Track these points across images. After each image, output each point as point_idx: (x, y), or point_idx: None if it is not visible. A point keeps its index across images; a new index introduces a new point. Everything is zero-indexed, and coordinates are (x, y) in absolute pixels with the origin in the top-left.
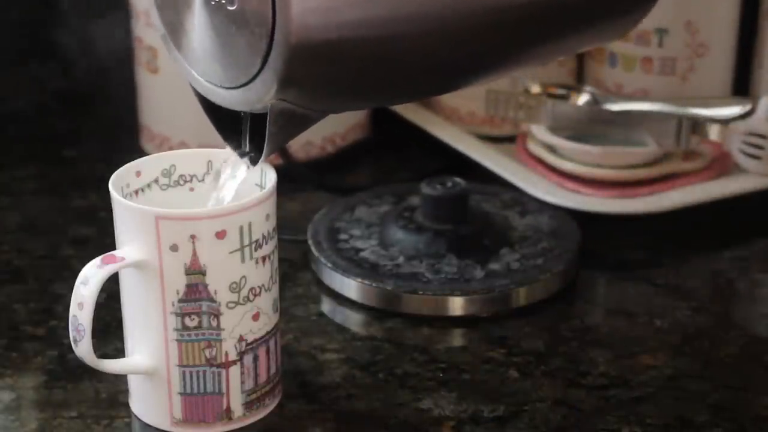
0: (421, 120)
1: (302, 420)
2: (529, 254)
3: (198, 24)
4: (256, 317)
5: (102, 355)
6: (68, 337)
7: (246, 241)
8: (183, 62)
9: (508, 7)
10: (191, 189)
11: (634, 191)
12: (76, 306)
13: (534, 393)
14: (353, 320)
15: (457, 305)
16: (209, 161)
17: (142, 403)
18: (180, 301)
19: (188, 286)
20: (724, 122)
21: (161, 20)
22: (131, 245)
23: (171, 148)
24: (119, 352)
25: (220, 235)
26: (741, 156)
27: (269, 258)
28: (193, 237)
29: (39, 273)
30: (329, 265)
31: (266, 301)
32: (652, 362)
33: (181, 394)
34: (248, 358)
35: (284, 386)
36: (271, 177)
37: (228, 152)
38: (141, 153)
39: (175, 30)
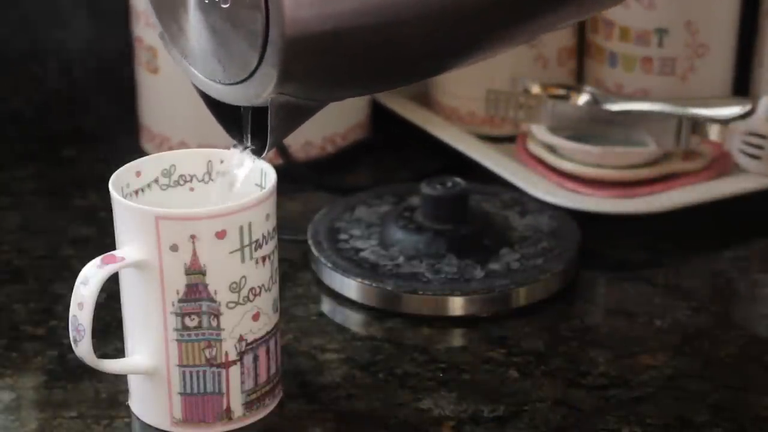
0: (421, 120)
1: (302, 420)
2: (529, 254)
3: (193, 23)
4: (256, 317)
5: (102, 355)
6: (68, 337)
7: (246, 241)
8: (181, 60)
9: None
10: (191, 189)
11: (634, 191)
12: (76, 306)
13: (534, 393)
14: (353, 320)
15: (457, 305)
16: (209, 161)
17: (142, 403)
18: (180, 301)
19: (188, 286)
20: (724, 122)
21: (158, 19)
22: (131, 245)
23: (171, 148)
24: (119, 352)
25: (220, 235)
26: (741, 156)
27: (269, 258)
28: (193, 237)
29: (39, 273)
30: (329, 265)
31: (266, 301)
32: (652, 362)
33: (181, 394)
34: (248, 358)
35: (284, 386)
36: (271, 177)
37: (227, 152)
38: (141, 153)
39: (171, 29)
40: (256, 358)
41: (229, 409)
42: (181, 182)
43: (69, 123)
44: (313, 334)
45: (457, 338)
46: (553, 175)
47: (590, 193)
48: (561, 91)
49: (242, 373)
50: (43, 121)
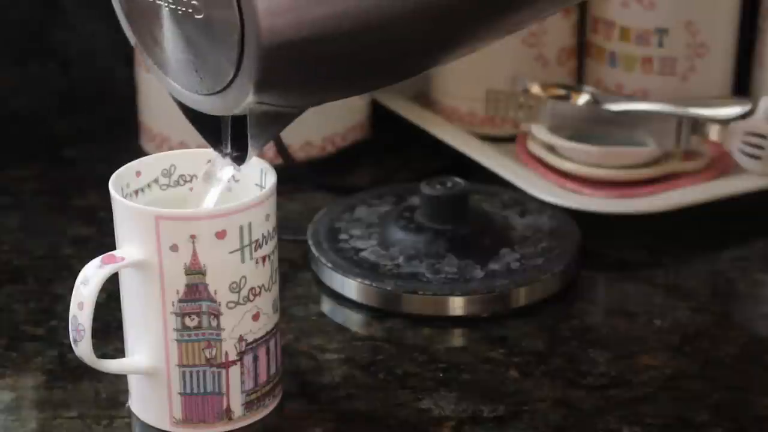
0: (421, 120)
1: (302, 420)
2: (529, 254)
3: (168, 34)
4: (256, 317)
5: (102, 355)
6: (68, 337)
7: (246, 241)
8: (157, 70)
9: None
10: (191, 189)
11: (634, 191)
12: (76, 306)
13: (534, 393)
14: (353, 320)
15: (457, 305)
16: (209, 161)
17: (142, 403)
18: (180, 301)
19: (188, 286)
20: (724, 122)
21: (130, 29)
22: (131, 245)
23: (171, 148)
24: (119, 352)
25: (220, 235)
26: (741, 156)
27: (269, 258)
28: (193, 237)
29: (39, 273)
30: (329, 265)
31: (266, 301)
32: (652, 362)
33: (181, 394)
34: (248, 358)
35: (284, 386)
36: (271, 177)
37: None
38: (141, 153)
39: (146, 39)
40: (256, 358)
41: (229, 409)
42: (181, 182)
43: (69, 123)
44: (313, 334)
45: (457, 338)
46: (553, 175)
47: (590, 193)
48: (561, 91)
49: (242, 373)
50: (43, 121)
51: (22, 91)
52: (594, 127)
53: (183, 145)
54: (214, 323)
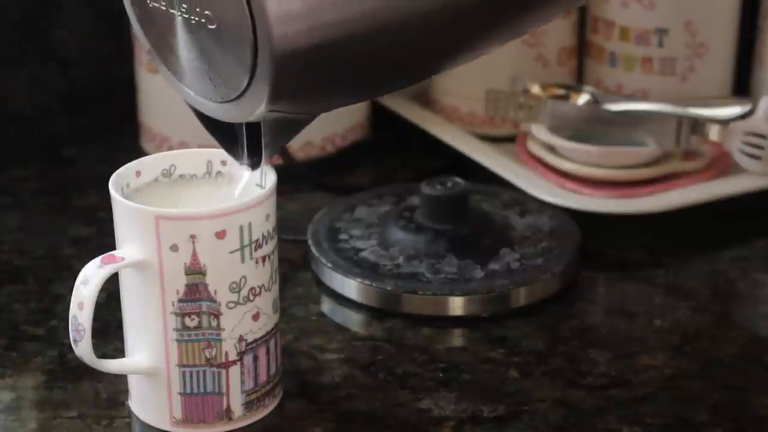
0: (421, 120)
1: (302, 420)
2: (529, 254)
3: (181, 42)
4: (256, 317)
5: (102, 355)
6: (68, 337)
7: (246, 241)
8: (171, 77)
9: None
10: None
11: (634, 191)
12: (76, 306)
13: (534, 393)
14: (353, 320)
15: (457, 305)
16: (209, 161)
17: (142, 403)
18: (180, 301)
19: (188, 286)
20: (724, 122)
21: (144, 36)
22: (131, 245)
23: (171, 148)
24: (119, 352)
25: (220, 235)
26: (741, 156)
27: (269, 258)
28: (193, 237)
29: (39, 273)
30: (329, 265)
31: (266, 301)
32: (652, 362)
33: (181, 394)
34: (248, 358)
35: (284, 386)
36: (271, 177)
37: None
38: (141, 153)
39: (159, 46)
40: (256, 358)
41: (229, 409)
42: (181, 182)
43: (69, 123)
44: (313, 334)
45: (457, 338)
46: (553, 175)
47: (590, 193)
48: (561, 91)
49: (242, 373)
50: (43, 121)
51: (22, 91)
52: (594, 127)
53: (183, 145)
54: (214, 323)
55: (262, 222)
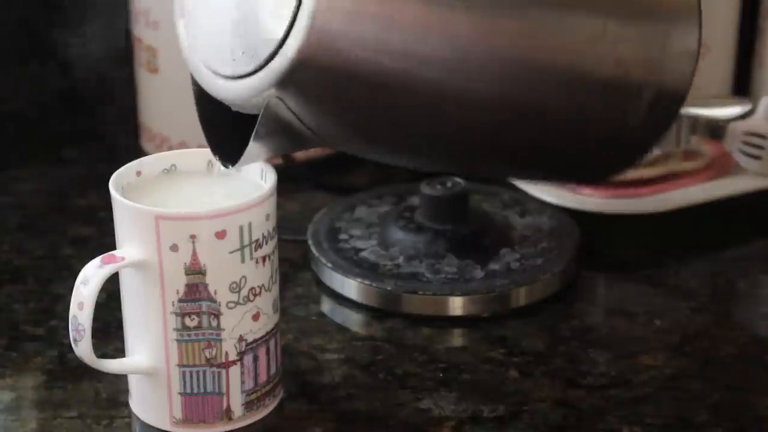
0: None
1: (302, 420)
2: (529, 254)
3: (215, 5)
4: (256, 317)
5: (102, 355)
6: (68, 337)
7: (246, 241)
8: (186, 45)
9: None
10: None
11: (634, 191)
12: (76, 306)
13: (534, 393)
14: (353, 320)
15: (457, 305)
16: (209, 161)
17: (142, 403)
18: (180, 301)
19: (188, 286)
20: (724, 122)
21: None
22: (131, 245)
23: (171, 148)
24: (119, 352)
25: (220, 235)
26: (741, 156)
27: (269, 258)
28: (193, 237)
29: (39, 273)
30: (329, 265)
31: (266, 301)
32: (652, 362)
33: (181, 394)
34: (248, 358)
35: (284, 386)
36: (270, 177)
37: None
38: (141, 153)
39: (188, 8)
40: (256, 358)
41: (229, 409)
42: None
43: (69, 123)
44: (313, 334)
45: (457, 338)
46: None
47: (590, 193)
48: None
49: (242, 373)
50: (43, 121)
51: (22, 91)
52: None
53: (183, 145)
54: (214, 323)
55: (262, 222)
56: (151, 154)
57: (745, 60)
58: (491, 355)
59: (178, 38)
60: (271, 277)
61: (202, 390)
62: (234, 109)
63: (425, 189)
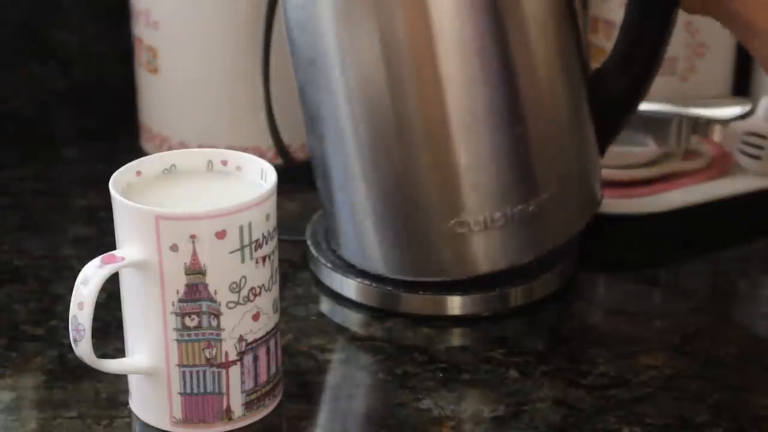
0: None
1: (302, 420)
2: None
3: None
4: (256, 317)
5: (102, 355)
6: (68, 337)
7: (246, 241)
8: None
9: None
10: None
11: (634, 191)
12: (76, 306)
13: (534, 393)
14: (353, 320)
15: (456, 305)
16: (209, 161)
17: (142, 403)
18: (180, 300)
19: (188, 286)
20: (724, 122)
21: None
22: (131, 245)
23: (171, 148)
24: (119, 352)
25: (220, 235)
26: (741, 156)
27: (269, 258)
28: (193, 237)
29: (39, 273)
30: (328, 265)
31: (266, 301)
32: (651, 362)
33: (181, 394)
34: (248, 358)
35: (284, 386)
36: (271, 177)
37: (228, 152)
38: (141, 153)
39: None
40: (256, 358)
41: (229, 409)
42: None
43: (69, 123)
44: (313, 334)
45: (456, 338)
46: None
47: None
48: None
49: (242, 373)
50: (43, 121)
51: (22, 91)
52: None
53: (183, 145)
54: (214, 323)
55: (262, 222)
56: (151, 154)
57: (745, 60)
58: (491, 355)
59: None
60: (271, 277)
61: (202, 390)
62: None
63: None
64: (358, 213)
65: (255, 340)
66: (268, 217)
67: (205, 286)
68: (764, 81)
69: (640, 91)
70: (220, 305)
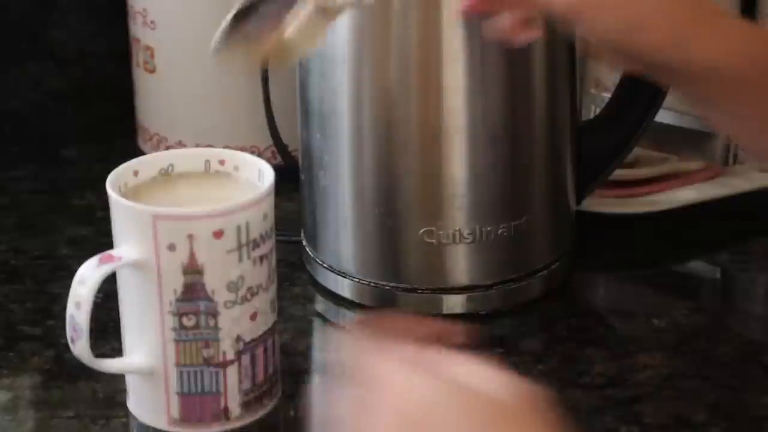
0: None
1: (300, 420)
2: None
3: None
4: (253, 317)
5: (99, 354)
6: (65, 337)
7: (243, 241)
8: None
9: None
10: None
11: (634, 191)
12: (74, 305)
13: None
14: (350, 320)
15: (453, 304)
16: (207, 160)
17: (140, 402)
18: (177, 300)
19: (186, 285)
20: None
21: None
22: (129, 245)
23: (168, 148)
24: (116, 352)
25: (218, 234)
26: (741, 155)
27: (267, 258)
28: (190, 236)
29: (36, 273)
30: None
31: (264, 301)
32: (649, 362)
33: (178, 393)
34: (246, 358)
35: (282, 386)
36: (268, 177)
37: (226, 152)
38: (138, 153)
39: None
40: (253, 358)
41: (226, 409)
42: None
43: (66, 123)
44: (310, 334)
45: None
46: None
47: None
48: None
49: (240, 373)
50: (40, 121)
51: (19, 91)
52: None
53: (180, 145)
54: (211, 323)
55: (260, 221)
56: (148, 154)
57: None
58: (488, 355)
59: None
60: (269, 276)
61: (199, 390)
62: None
63: None
64: (338, 209)
65: (253, 340)
66: (265, 216)
67: (203, 285)
68: None
69: (622, 152)
70: (217, 305)
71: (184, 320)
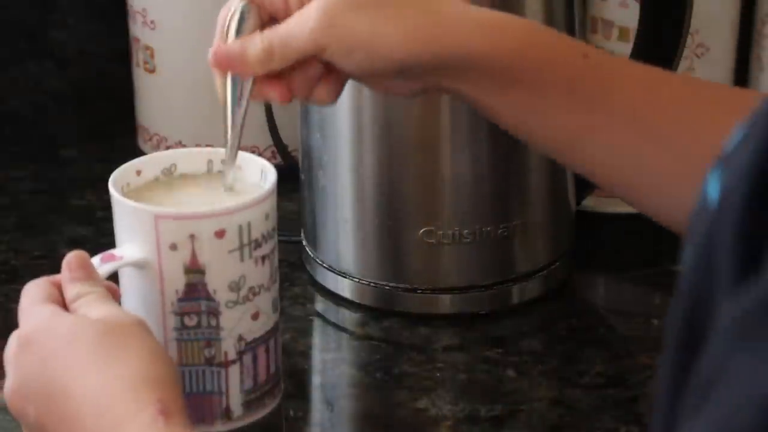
0: None
1: (301, 420)
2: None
3: None
4: (255, 317)
5: None
6: None
7: (245, 241)
8: None
9: None
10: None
11: None
12: None
13: (531, 392)
14: (350, 320)
15: (453, 304)
16: (209, 160)
17: None
18: (179, 300)
19: (187, 285)
20: None
21: None
22: (130, 244)
23: (168, 148)
24: None
25: (220, 234)
26: None
27: (269, 257)
28: (192, 236)
29: (36, 273)
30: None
31: (266, 301)
32: (649, 362)
33: None
34: (247, 358)
35: (283, 386)
36: (270, 177)
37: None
38: (138, 153)
39: None
40: (255, 358)
41: (228, 409)
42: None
43: (66, 123)
44: (310, 333)
45: (453, 337)
46: None
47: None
48: None
49: (241, 373)
50: (41, 121)
51: (19, 91)
52: None
53: (180, 145)
54: (213, 322)
55: (262, 221)
56: (148, 153)
57: (745, 60)
58: (488, 355)
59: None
60: (271, 276)
61: (201, 389)
62: None
63: None
64: (338, 209)
65: (254, 340)
66: (267, 216)
67: (205, 285)
68: (764, 81)
69: None
70: (219, 305)
71: (186, 320)
